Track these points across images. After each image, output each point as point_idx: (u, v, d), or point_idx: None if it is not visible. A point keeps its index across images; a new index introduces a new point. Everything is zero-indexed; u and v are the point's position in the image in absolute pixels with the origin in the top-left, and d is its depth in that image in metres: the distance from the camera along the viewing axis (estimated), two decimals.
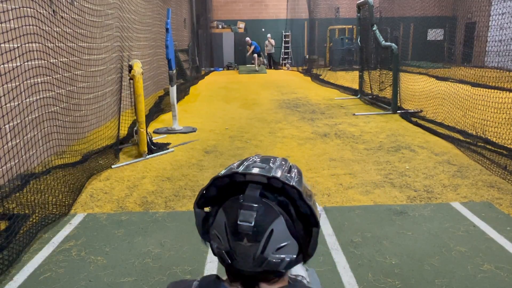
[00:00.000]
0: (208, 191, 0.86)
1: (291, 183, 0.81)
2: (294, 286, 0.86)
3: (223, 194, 0.84)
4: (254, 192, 0.81)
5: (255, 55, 19.15)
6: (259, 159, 0.88)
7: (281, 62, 22.16)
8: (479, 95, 6.82)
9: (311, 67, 18.19)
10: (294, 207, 0.82)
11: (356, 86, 11.21)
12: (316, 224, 0.83)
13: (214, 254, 0.86)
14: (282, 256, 0.80)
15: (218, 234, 0.83)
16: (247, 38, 19.64)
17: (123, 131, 6.49)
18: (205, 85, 14.55)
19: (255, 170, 0.83)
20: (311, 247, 0.84)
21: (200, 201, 0.88)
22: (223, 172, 0.85)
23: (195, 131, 7.10)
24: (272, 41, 20.29)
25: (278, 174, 0.82)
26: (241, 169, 0.84)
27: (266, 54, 21.15)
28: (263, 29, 20.97)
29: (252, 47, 19.10)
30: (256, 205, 0.80)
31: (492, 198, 4.05)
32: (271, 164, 0.85)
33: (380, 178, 4.65)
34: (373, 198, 4.09)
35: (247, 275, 0.82)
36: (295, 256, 0.82)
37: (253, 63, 19.53)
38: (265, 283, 0.83)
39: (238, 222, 0.79)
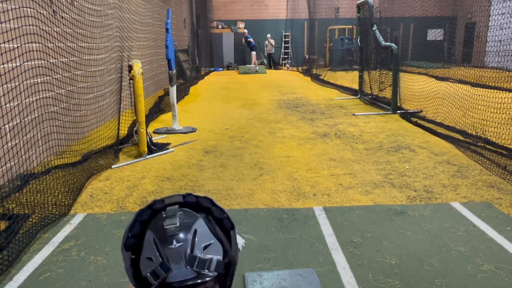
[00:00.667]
0: (132, 229, 0.93)
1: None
2: None
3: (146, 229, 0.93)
4: (173, 207, 0.93)
5: (253, 53, 19.15)
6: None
7: (281, 62, 22.17)
8: (479, 95, 6.82)
9: (311, 67, 18.19)
10: (210, 216, 0.95)
11: (356, 86, 11.21)
12: (233, 227, 0.95)
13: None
14: (210, 255, 0.88)
15: (149, 254, 0.88)
16: (245, 30, 19.64)
17: (123, 131, 6.49)
18: (205, 85, 14.55)
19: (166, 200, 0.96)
20: (233, 249, 0.93)
21: (128, 242, 0.93)
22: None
23: (195, 131, 7.10)
24: (272, 41, 20.31)
25: (188, 198, 0.96)
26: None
27: (266, 54, 21.17)
28: (268, 35, 20.90)
29: (254, 52, 19.08)
30: (176, 212, 0.91)
31: (492, 198, 4.05)
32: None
33: (380, 178, 4.65)
34: (373, 198, 4.10)
35: (183, 287, 0.86)
36: (221, 257, 0.90)
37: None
38: None
39: (165, 227, 0.87)
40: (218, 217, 0.95)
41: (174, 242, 0.86)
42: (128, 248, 0.93)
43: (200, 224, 0.90)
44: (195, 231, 0.88)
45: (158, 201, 0.95)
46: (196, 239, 0.87)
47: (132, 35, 8.70)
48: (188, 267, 0.85)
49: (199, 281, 0.86)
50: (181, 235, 0.87)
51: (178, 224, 0.88)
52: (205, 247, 0.88)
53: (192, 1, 18.66)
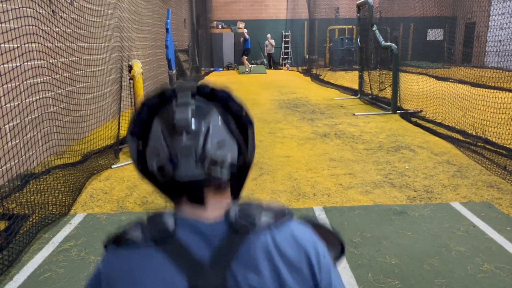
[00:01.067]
0: (140, 114, 0.83)
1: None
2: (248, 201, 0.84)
3: (154, 117, 0.83)
4: (185, 94, 0.81)
5: (245, 57, 19.08)
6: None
7: (281, 62, 22.17)
8: (479, 95, 6.82)
9: (311, 67, 18.19)
10: (227, 109, 0.83)
11: (356, 86, 11.21)
12: (251, 123, 0.84)
13: (158, 183, 0.82)
14: (223, 153, 0.79)
15: (156, 146, 0.80)
16: (245, 30, 19.63)
17: (123, 131, 6.48)
18: None
19: (181, 84, 0.84)
20: (249, 148, 0.84)
21: (134, 129, 0.84)
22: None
23: None
24: (272, 41, 20.31)
25: (207, 84, 0.83)
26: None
27: (266, 54, 21.18)
28: (269, 35, 20.93)
29: (245, 57, 19.08)
30: (188, 102, 0.80)
31: (492, 198, 4.05)
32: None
33: (380, 178, 4.65)
34: (373, 198, 4.10)
35: (191, 185, 0.79)
36: (236, 156, 0.82)
37: (252, 63, 19.50)
38: (212, 194, 0.81)
39: (175, 118, 0.78)
40: (235, 111, 0.83)
41: (184, 135, 0.77)
42: (134, 136, 0.84)
43: (215, 118, 0.80)
44: (209, 125, 0.78)
45: (169, 89, 0.83)
46: (209, 134, 0.78)
47: (132, 35, 8.70)
48: (198, 164, 0.77)
49: (209, 180, 0.78)
50: (193, 128, 0.77)
51: (190, 115, 0.77)
52: (219, 144, 0.79)
53: (192, 1, 18.66)
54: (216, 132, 0.79)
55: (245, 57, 19.07)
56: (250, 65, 19.24)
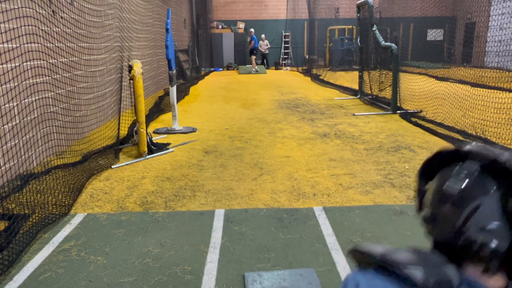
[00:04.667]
0: (432, 161, 0.86)
1: None
2: None
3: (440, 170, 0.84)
4: (472, 164, 0.78)
5: (253, 56, 19.14)
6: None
7: (281, 62, 22.17)
8: (479, 95, 6.83)
9: (311, 67, 18.20)
10: None
11: (355, 86, 11.21)
12: None
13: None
14: (487, 238, 0.73)
15: (427, 197, 0.84)
16: (252, 29, 19.69)
17: (123, 131, 6.49)
18: (205, 85, 14.55)
19: (479, 148, 0.80)
20: None
21: (422, 170, 0.88)
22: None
23: (195, 131, 7.10)
24: (266, 42, 20.31)
25: (504, 156, 0.76)
26: (467, 147, 0.81)
27: (260, 55, 21.18)
28: (263, 35, 21.02)
29: (252, 42, 19.17)
30: (469, 173, 0.77)
31: None
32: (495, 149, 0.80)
33: (380, 178, 4.65)
34: (373, 198, 4.10)
35: (445, 248, 0.80)
36: (504, 247, 0.73)
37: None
38: (469, 264, 0.78)
39: (446, 184, 0.78)
40: None
41: (449, 205, 0.78)
42: (422, 174, 0.88)
43: (490, 200, 0.74)
44: (478, 205, 0.74)
45: (465, 150, 0.80)
46: (475, 214, 0.74)
47: (132, 35, 8.70)
48: (453, 235, 0.77)
49: (467, 253, 0.76)
50: (458, 201, 0.76)
51: (459, 190, 0.76)
52: (483, 228, 0.74)
53: (192, 1, 18.67)
54: (485, 216, 0.74)
55: (253, 57, 19.15)
56: (257, 66, 19.27)
